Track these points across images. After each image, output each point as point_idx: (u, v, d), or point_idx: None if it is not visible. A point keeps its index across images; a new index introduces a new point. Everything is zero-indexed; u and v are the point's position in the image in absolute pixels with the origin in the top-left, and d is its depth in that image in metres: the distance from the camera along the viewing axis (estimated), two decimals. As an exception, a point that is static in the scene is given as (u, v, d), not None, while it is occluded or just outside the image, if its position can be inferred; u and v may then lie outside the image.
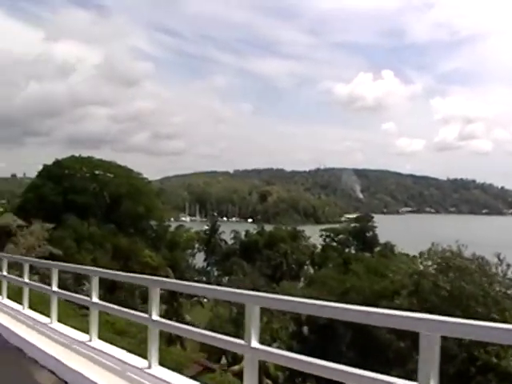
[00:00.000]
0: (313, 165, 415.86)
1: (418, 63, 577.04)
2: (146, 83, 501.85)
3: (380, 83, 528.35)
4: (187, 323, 61.83)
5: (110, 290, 62.45)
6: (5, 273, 16.94)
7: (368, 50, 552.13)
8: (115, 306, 10.16)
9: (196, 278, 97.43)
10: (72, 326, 12.06)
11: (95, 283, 10.46)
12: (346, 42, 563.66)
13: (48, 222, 78.36)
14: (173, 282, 10.33)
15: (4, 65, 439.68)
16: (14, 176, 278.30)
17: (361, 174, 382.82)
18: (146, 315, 8.57)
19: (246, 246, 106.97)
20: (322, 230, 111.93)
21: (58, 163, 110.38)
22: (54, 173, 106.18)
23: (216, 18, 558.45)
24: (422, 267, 47.70)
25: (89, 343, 10.14)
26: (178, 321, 52.43)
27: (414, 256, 68.82)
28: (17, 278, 16.34)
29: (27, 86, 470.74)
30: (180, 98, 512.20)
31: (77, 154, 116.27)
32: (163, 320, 8.50)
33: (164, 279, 9.44)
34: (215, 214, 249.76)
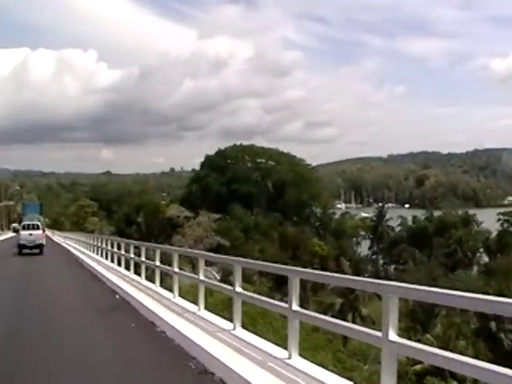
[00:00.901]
0: (470, 146, 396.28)
1: None
2: (296, 72, 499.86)
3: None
4: (363, 317, 58.40)
5: (279, 282, 60.14)
6: (158, 263, 17.56)
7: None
8: (255, 295, 10.43)
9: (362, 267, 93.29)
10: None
11: (238, 273, 10.43)
12: (502, 14, 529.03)
13: (213, 212, 77.87)
14: (312, 273, 9.28)
15: (161, 65, 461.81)
16: (172, 170, 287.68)
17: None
18: (285, 305, 8.37)
19: (415, 233, 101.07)
20: (499, 214, 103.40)
21: (220, 153, 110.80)
22: (216, 163, 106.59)
23: (363, 1, 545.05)
24: None
25: (232, 332, 10.21)
26: (353, 315, 48.64)
27: None
28: (166, 267, 16.65)
29: (182, 84, 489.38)
30: (330, 85, 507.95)
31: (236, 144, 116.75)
32: (303, 310, 8.20)
33: (302, 269, 9.01)
34: (371, 200, 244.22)
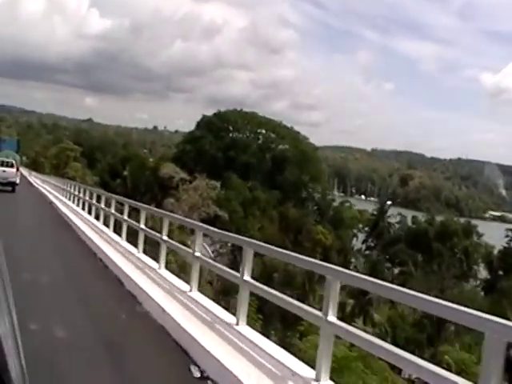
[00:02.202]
0: (452, 154, 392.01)
1: None
2: (289, 52, 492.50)
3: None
4: (374, 324, 51.86)
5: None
6: (126, 217, 16.99)
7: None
8: (268, 289, 7.96)
9: (352, 260, 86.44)
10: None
11: (249, 258, 8.22)
12: (496, 29, 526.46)
13: (207, 177, 69.65)
14: (357, 277, 6.54)
15: (153, 22, 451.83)
16: (155, 128, 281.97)
17: (505, 169, 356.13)
18: (320, 313, 6.25)
19: (415, 234, 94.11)
20: (507, 230, 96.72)
21: (219, 115, 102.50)
22: (215, 125, 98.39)
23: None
24: None
25: (235, 327, 8.29)
26: (364, 319, 41.16)
27: None
28: (134, 222, 15.91)
29: (173, 44, 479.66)
30: (321, 70, 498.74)
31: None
32: (339, 323, 6.05)
33: (348, 271, 6.72)
34: (353, 190, 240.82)
